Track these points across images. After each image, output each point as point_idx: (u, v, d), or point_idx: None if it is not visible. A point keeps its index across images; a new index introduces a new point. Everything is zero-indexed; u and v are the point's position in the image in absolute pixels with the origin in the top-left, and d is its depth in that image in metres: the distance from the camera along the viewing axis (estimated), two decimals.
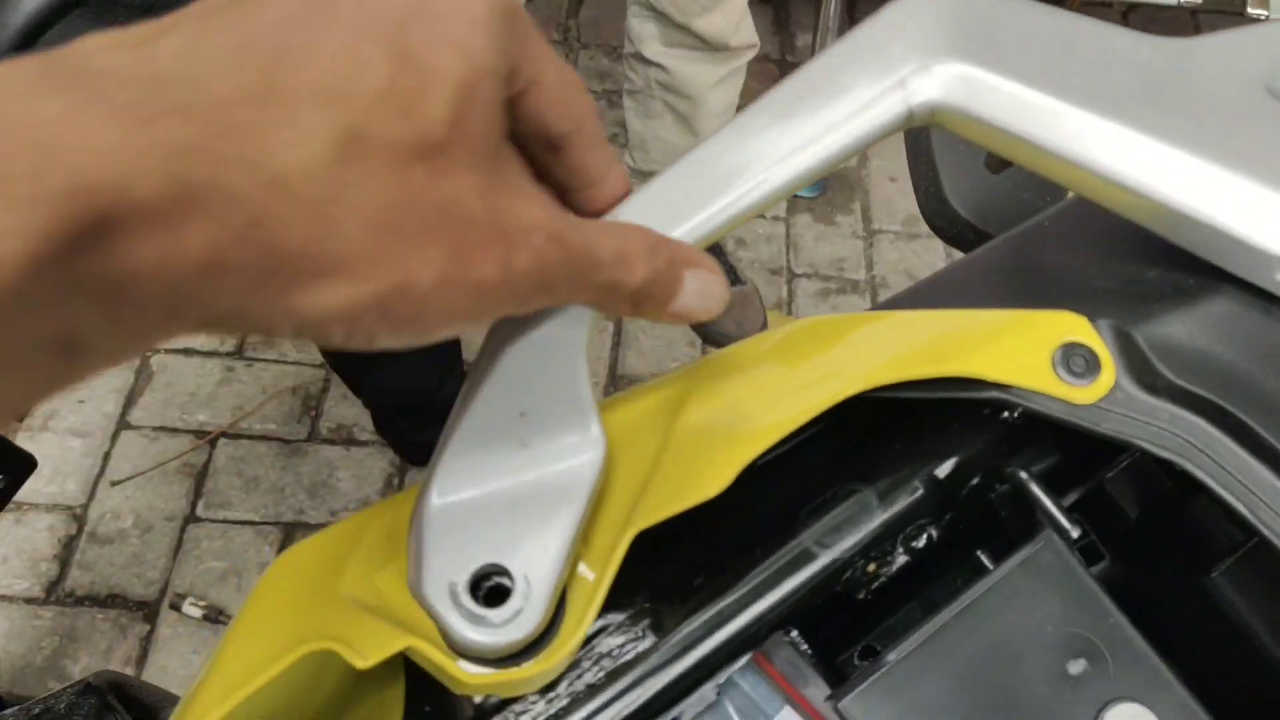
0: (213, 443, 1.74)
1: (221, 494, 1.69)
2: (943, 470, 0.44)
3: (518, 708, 0.40)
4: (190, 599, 1.55)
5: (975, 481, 0.44)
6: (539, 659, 0.38)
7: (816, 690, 0.46)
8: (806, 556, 0.42)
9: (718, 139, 0.38)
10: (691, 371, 0.44)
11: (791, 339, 0.44)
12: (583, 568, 0.40)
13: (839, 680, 0.44)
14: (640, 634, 0.42)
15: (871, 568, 0.44)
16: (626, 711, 0.41)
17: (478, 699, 0.41)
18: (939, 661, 0.43)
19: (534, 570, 0.38)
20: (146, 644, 1.55)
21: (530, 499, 0.39)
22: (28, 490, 1.67)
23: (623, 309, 0.35)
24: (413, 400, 1.55)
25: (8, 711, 0.83)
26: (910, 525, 0.44)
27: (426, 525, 0.38)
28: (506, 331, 0.38)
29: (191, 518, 1.67)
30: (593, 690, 0.41)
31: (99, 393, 1.79)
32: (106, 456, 1.72)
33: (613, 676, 0.41)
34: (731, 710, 0.47)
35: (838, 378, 0.40)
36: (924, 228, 2.01)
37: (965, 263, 0.46)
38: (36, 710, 0.82)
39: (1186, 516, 0.43)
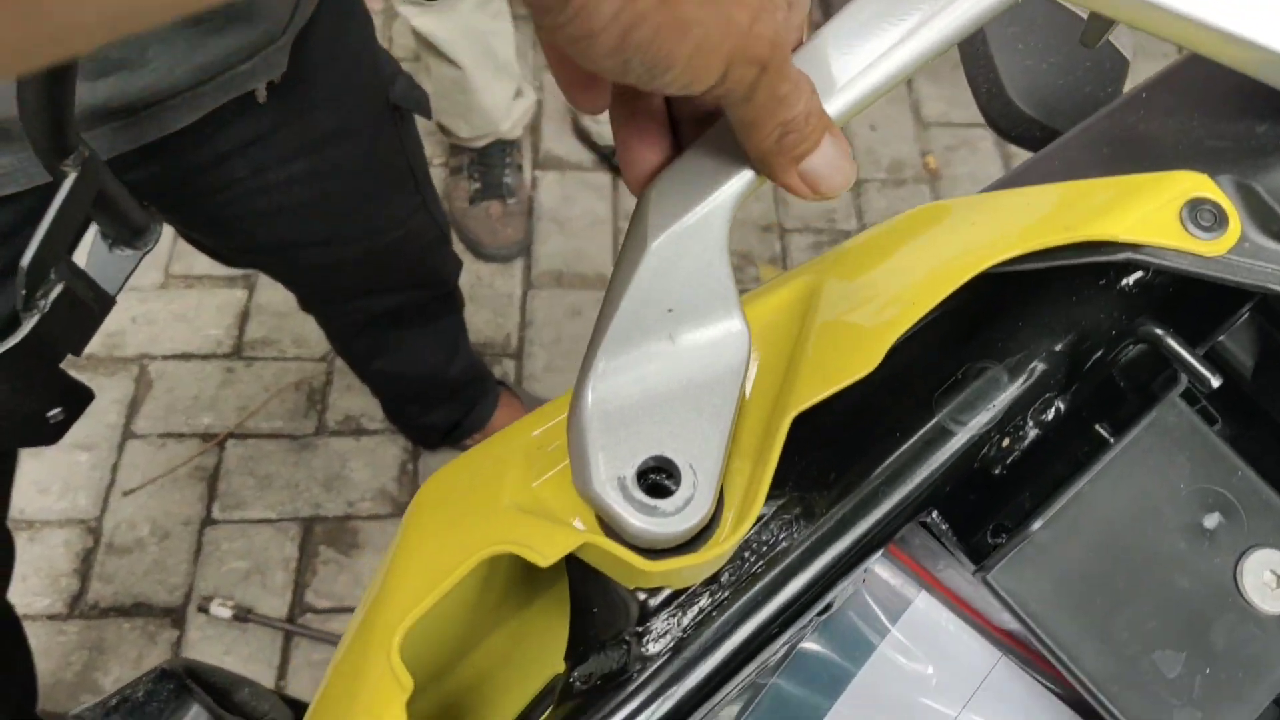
0: (221, 445, 1.73)
1: (236, 495, 1.68)
2: (1067, 342, 0.45)
3: (683, 601, 0.41)
4: (218, 600, 1.54)
5: (1099, 353, 0.45)
6: (711, 543, 0.38)
7: (957, 569, 0.47)
8: (944, 435, 0.43)
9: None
10: (818, 264, 0.45)
11: (911, 223, 0.45)
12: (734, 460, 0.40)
13: (978, 558, 0.45)
14: (792, 521, 0.42)
15: (1005, 443, 0.45)
16: (784, 599, 0.42)
17: (642, 595, 0.41)
18: (1078, 527, 0.44)
19: (697, 459, 0.38)
20: (178, 649, 1.53)
21: (683, 392, 0.39)
22: (40, 507, 1.66)
23: (766, 141, 0.36)
24: (421, 384, 1.55)
25: (83, 708, 0.83)
26: (1039, 399, 0.45)
27: (587, 426, 0.38)
28: (650, 226, 0.39)
29: (208, 521, 1.65)
30: (753, 579, 0.42)
31: (100, 405, 1.77)
32: (115, 467, 1.70)
33: (770, 564, 0.42)
34: (870, 600, 0.48)
35: (968, 254, 0.41)
36: (909, 173, 2.03)
37: (1063, 144, 0.47)
38: (114, 702, 0.81)
39: None
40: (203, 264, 1.95)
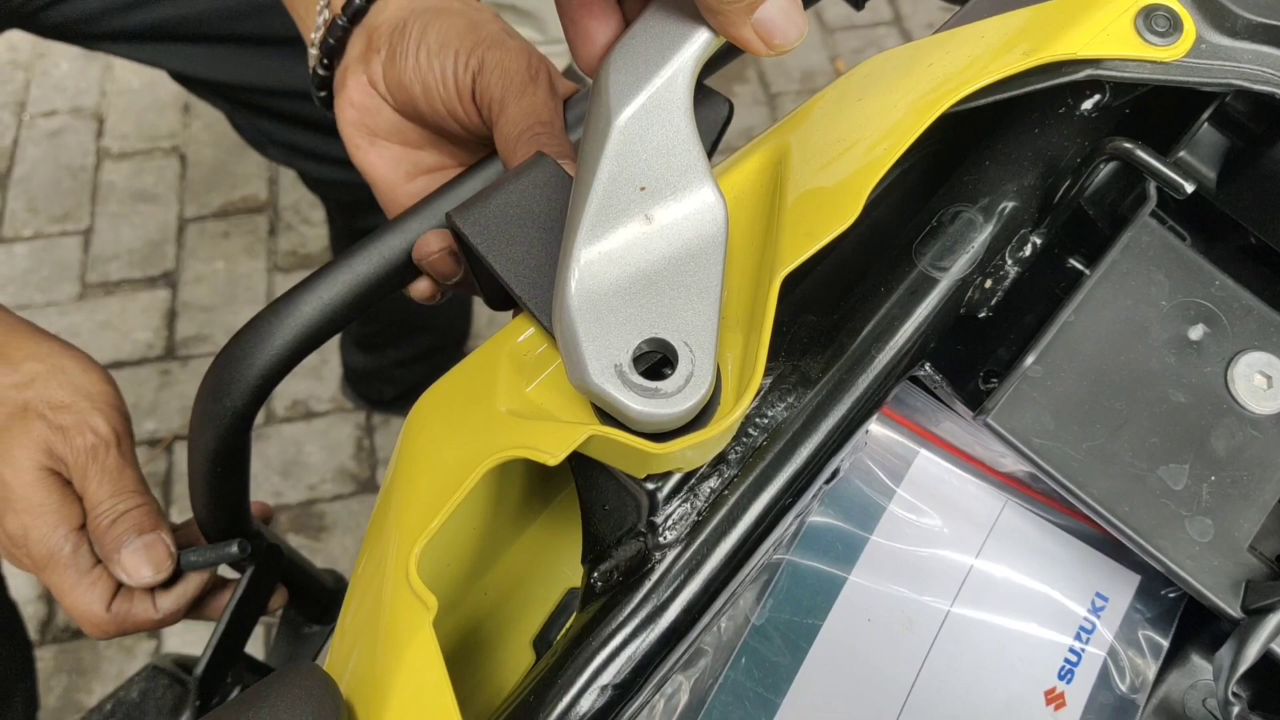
0: (169, 448, 1.69)
1: None
2: (1035, 175, 0.45)
3: (693, 485, 0.40)
4: None
5: (1067, 182, 0.45)
6: (718, 418, 0.38)
7: (954, 421, 0.47)
8: (927, 283, 0.43)
9: None
10: (782, 128, 0.44)
11: (868, 73, 0.44)
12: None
13: (975, 405, 0.45)
14: (789, 390, 0.42)
15: (988, 284, 0.45)
16: (792, 470, 0.41)
17: (651, 485, 0.40)
18: (1069, 357, 0.44)
19: (692, 335, 0.38)
20: None
21: (666, 270, 0.38)
22: None
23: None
24: (407, 325, 1.53)
25: (82, 717, 0.80)
26: (1015, 236, 0.45)
27: (575, 317, 0.37)
28: (612, 103, 0.38)
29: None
30: (759, 453, 0.41)
31: None
32: None
33: (775, 437, 0.41)
34: (871, 464, 0.48)
35: (931, 93, 0.40)
36: (821, 80, 2.02)
37: None
38: (109, 707, 0.79)
39: (1263, 168, 0.45)
40: (119, 268, 1.90)
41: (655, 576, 0.39)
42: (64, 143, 2.08)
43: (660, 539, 0.40)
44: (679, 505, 0.40)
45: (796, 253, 0.38)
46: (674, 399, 0.37)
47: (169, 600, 0.65)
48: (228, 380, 0.52)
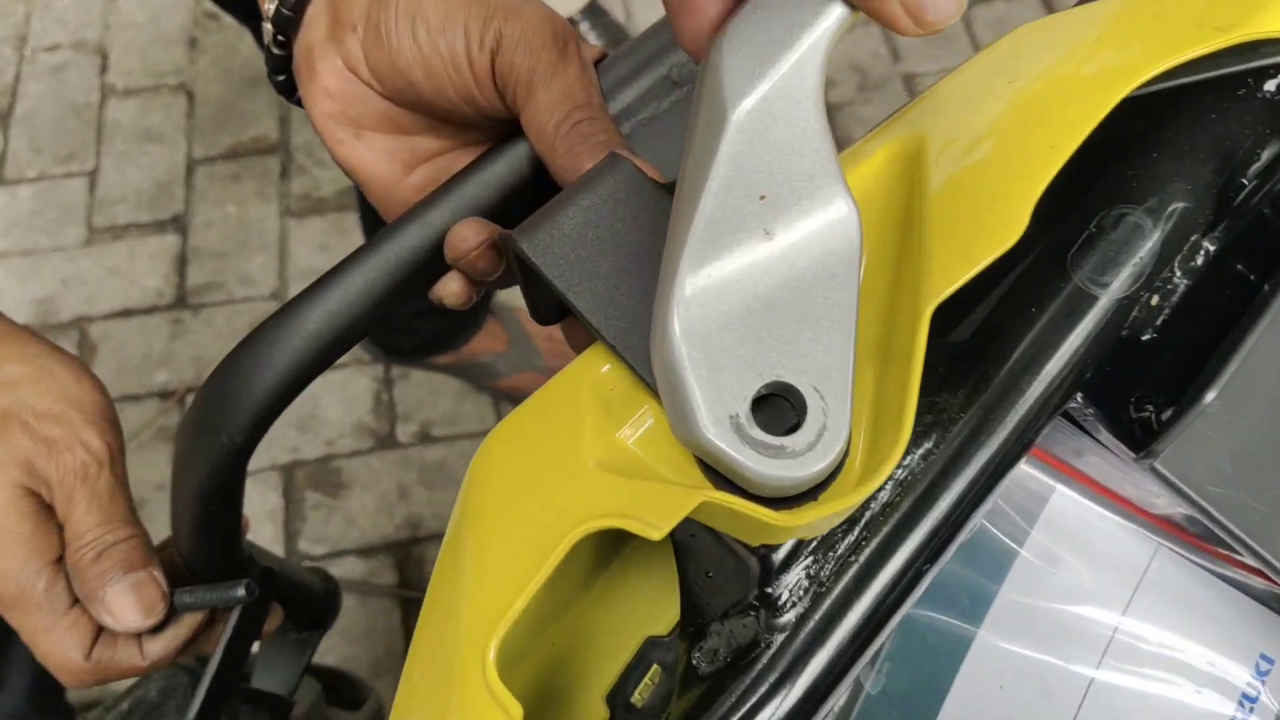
0: (181, 400, 1.63)
1: None
2: (1211, 169, 0.37)
3: (814, 549, 0.34)
4: None
5: (1246, 178, 0.38)
6: (860, 480, 0.31)
7: (1098, 453, 0.40)
8: (1086, 301, 0.36)
9: None
10: (913, 113, 0.37)
11: (1017, 48, 0.37)
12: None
13: (1129, 439, 0.38)
14: (923, 433, 0.35)
15: (1154, 300, 0.38)
16: (929, 527, 0.35)
17: (763, 550, 0.34)
18: (1250, 390, 0.37)
19: (822, 378, 0.31)
20: None
21: (791, 298, 0.32)
22: None
23: None
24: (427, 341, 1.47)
25: (91, 714, 0.76)
26: (1186, 243, 0.38)
27: (680, 359, 0.30)
28: (728, 92, 0.30)
29: None
30: (890, 510, 0.34)
31: None
32: None
33: (908, 489, 0.35)
34: (1001, 502, 0.41)
35: (1103, 76, 0.33)
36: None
37: None
38: (125, 707, 0.74)
39: None
40: (126, 211, 1.82)
41: (769, 658, 0.33)
42: (67, 79, 1.99)
43: (775, 615, 0.34)
44: (799, 573, 0.34)
45: (949, 278, 0.32)
46: (804, 459, 0.30)
47: (158, 645, 0.57)
48: (222, 410, 0.44)
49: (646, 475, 0.33)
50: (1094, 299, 0.36)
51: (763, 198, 0.31)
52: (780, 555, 0.34)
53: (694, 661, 0.34)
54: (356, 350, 1.66)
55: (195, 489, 0.48)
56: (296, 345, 0.44)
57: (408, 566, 1.49)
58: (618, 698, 0.43)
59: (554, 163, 0.44)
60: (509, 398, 1.59)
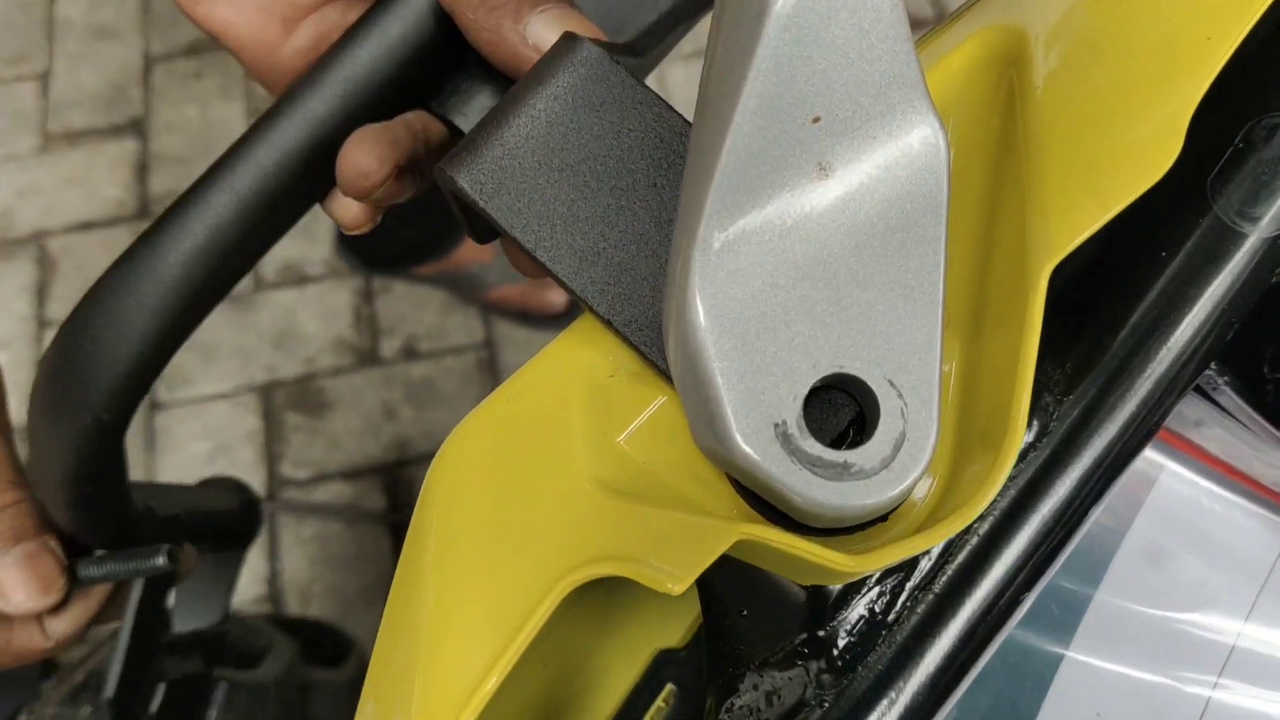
0: None
1: (179, 372, 1.50)
2: None
3: (879, 580, 0.26)
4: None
5: None
6: (946, 500, 0.23)
7: (1221, 423, 0.32)
8: (1231, 238, 0.27)
9: None
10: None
11: None
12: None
13: (1260, 405, 0.30)
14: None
15: None
16: (1024, 546, 0.27)
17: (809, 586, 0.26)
18: None
19: (901, 368, 0.23)
20: None
21: (852, 257, 0.23)
22: None
23: None
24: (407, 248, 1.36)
25: (50, 689, 0.69)
26: None
27: (701, 345, 0.22)
28: None
29: (155, 406, 1.49)
30: (975, 524, 0.26)
31: (4, 296, 1.56)
32: (37, 363, 1.52)
33: (997, 498, 0.27)
34: None
35: None
36: None
37: None
38: (79, 678, 0.68)
39: None
40: (82, 116, 1.71)
41: (820, 719, 0.26)
42: None
43: (830, 665, 0.26)
44: (859, 610, 0.26)
45: (1074, 225, 0.23)
46: (876, 480, 0.22)
47: (62, 624, 0.48)
48: (79, 387, 0.35)
49: (661, 496, 0.25)
50: (1241, 237, 0.27)
51: (816, 120, 0.22)
52: (837, 588, 0.26)
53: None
54: (334, 261, 1.57)
55: (63, 477, 0.40)
56: (160, 294, 0.34)
57: (397, 489, 1.42)
58: None
59: (464, 18, 0.33)
60: (498, 309, 1.50)
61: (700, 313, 0.22)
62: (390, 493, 1.42)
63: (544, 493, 0.25)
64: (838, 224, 0.23)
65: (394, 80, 0.36)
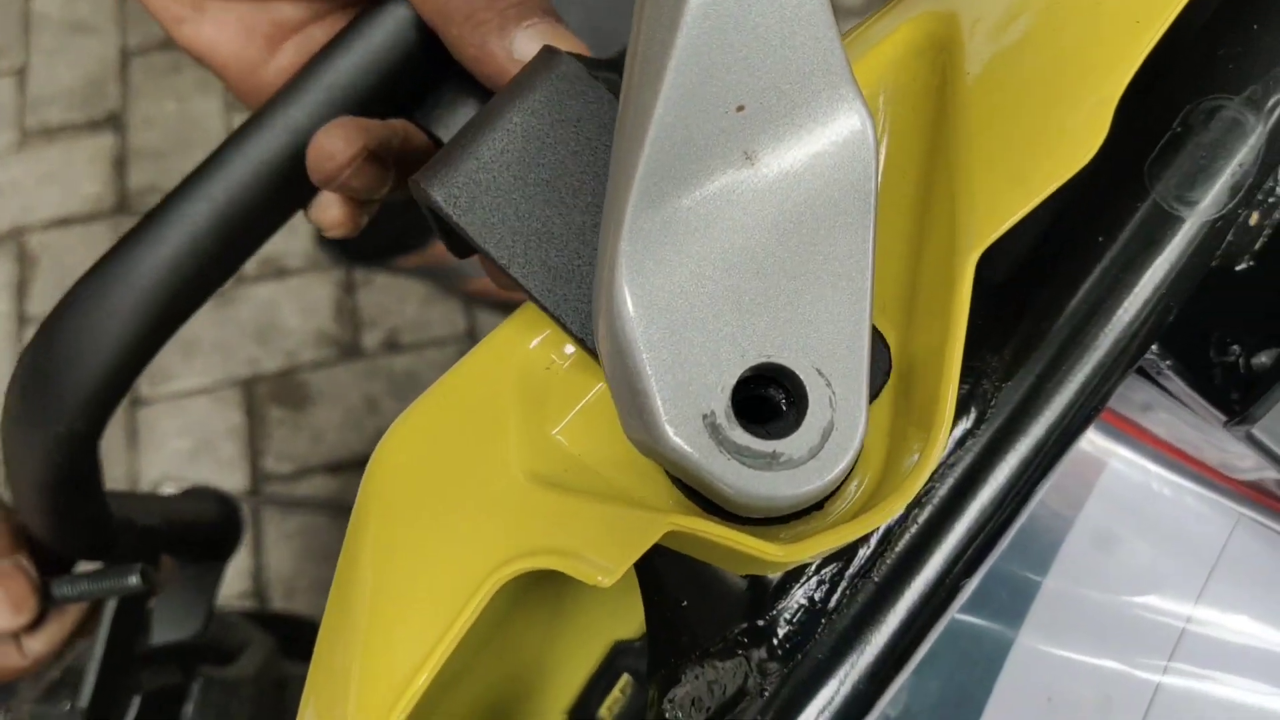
0: None
1: (160, 368, 1.50)
2: None
3: (819, 568, 0.26)
4: (168, 484, 1.40)
5: None
6: (887, 494, 0.23)
7: (1170, 409, 0.32)
8: (1169, 222, 0.27)
9: None
10: None
11: None
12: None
13: (1209, 392, 0.30)
14: (959, 403, 0.27)
15: (1254, 219, 0.29)
16: (965, 531, 0.27)
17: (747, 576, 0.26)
18: None
19: (829, 357, 0.23)
20: None
21: (779, 246, 0.23)
22: None
23: None
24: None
25: (26, 686, 0.69)
26: None
27: (633, 340, 0.22)
28: None
29: (136, 402, 1.48)
30: (914, 512, 0.26)
31: None
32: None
33: (935, 485, 0.26)
34: None
35: None
36: None
37: None
38: (56, 674, 0.67)
39: None
40: (59, 111, 1.70)
41: (765, 713, 0.26)
42: None
43: (769, 654, 0.26)
44: (798, 599, 0.26)
45: (1000, 211, 0.23)
46: (805, 469, 0.22)
47: (38, 642, 0.47)
48: (50, 396, 0.35)
49: (595, 487, 0.25)
50: (1179, 221, 0.27)
51: (741, 108, 0.22)
52: (776, 577, 0.26)
53: (667, 714, 0.27)
54: (313, 253, 1.56)
55: (35, 486, 0.39)
56: (136, 302, 0.34)
57: None
58: (582, 713, 0.36)
59: (449, 33, 0.33)
60: (480, 301, 1.50)
61: (628, 302, 0.22)
62: None
63: (478, 487, 0.25)
64: (765, 212, 0.23)
65: (375, 90, 0.36)
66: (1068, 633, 0.32)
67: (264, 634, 0.75)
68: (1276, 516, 0.33)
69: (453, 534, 0.24)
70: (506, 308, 1.48)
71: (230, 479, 1.43)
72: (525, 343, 0.26)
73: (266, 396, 1.48)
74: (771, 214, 0.23)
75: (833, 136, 0.23)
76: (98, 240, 1.59)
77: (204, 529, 0.64)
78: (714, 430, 0.22)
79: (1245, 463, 0.32)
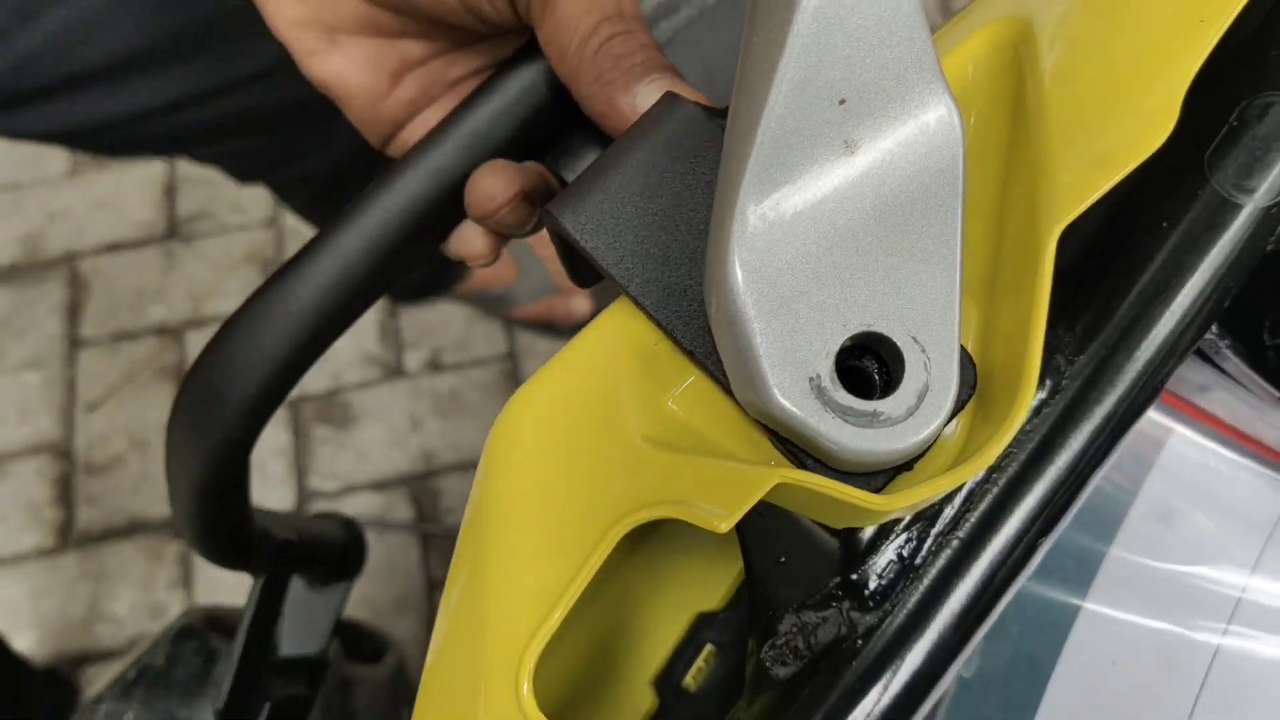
0: (179, 337, 1.57)
1: None
2: None
3: (907, 525, 0.28)
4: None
5: None
6: (974, 451, 0.26)
7: (1229, 389, 0.34)
8: (1228, 210, 0.30)
9: None
10: None
11: None
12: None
13: (1263, 369, 0.33)
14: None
15: None
16: (1041, 496, 0.29)
17: (844, 531, 0.29)
18: None
19: (924, 326, 0.25)
20: (186, 561, 1.43)
21: (878, 227, 0.25)
22: (1, 440, 1.51)
23: None
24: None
25: (104, 688, 0.72)
26: None
27: (744, 310, 0.24)
28: None
29: None
30: (998, 473, 0.29)
31: (37, 317, 1.60)
32: (71, 382, 1.55)
33: (1018, 447, 0.29)
34: None
35: None
36: None
37: None
38: (133, 674, 0.70)
39: None
40: None
41: (858, 658, 0.28)
42: None
43: (862, 605, 0.28)
44: (888, 555, 0.28)
45: (1080, 191, 0.25)
46: (902, 427, 0.24)
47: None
48: (211, 405, 0.38)
49: (707, 450, 0.27)
50: (1237, 208, 0.30)
51: (842, 102, 0.25)
52: (867, 535, 0.28)
53: (765, 662, 0.29)
54: None
55: (193, 489, 0.42)
56: (292, 324, 0.37)
57: (424, 500, 1.45)
58: (667, 682, 0.38)
59: (580, 91, 0.37)
60: (523, 325, 1.53)
61: (740, 279, 0.24)
62: (418, 503, 1.45)
63: (598, 449, 0.27)
64: (864, 196, 0.25)
65: (512, 139, 0.39)
66: (1131, 600, 0.34)
67: (332, 637, 0.78)
68: None
69: (577, 490, 0.26)
70: (548, 328, 1.51)
71: (278, 496, 1.46)
72: (636, 322, 0.29)
73: (313, 416, 1.52)
74: (870, 197, 0.25)
75: (924, 127, 0.25)
76: (148, 265, 1.63)
77: (331, 549, 0.68)
78: (820, 392, 0.24)
79: None
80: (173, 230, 1.66)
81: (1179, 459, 0.35)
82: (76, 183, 1.72)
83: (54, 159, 1.73)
